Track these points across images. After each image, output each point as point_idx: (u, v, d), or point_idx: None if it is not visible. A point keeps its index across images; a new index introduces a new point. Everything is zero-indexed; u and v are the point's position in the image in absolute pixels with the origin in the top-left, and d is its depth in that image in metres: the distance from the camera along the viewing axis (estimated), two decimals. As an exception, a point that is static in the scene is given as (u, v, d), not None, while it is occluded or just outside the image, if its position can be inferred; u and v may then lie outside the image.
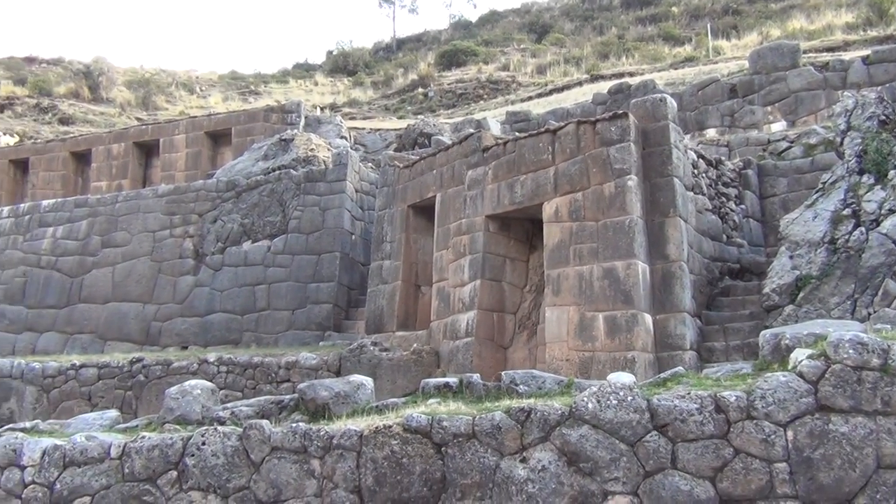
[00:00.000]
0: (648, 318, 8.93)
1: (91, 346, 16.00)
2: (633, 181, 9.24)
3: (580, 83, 29.53)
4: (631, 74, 28.02)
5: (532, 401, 5.81)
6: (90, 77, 35.90)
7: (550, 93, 29.47)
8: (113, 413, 7.73)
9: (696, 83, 19.20)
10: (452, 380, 6.78)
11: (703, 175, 10.90)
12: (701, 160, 11.01)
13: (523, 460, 5.47)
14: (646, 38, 37.99)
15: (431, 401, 6.44)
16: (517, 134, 11.85)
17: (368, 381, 6.85)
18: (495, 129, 19.31)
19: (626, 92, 20.16)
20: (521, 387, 6.32)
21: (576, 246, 9.50)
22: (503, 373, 6.61)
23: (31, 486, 6.66)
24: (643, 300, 8.90)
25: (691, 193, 10.09)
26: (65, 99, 34.03)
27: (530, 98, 29.48)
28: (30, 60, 41.88)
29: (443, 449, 5.67)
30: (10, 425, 7.85)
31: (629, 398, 5.39)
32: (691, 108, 18.40)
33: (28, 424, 7.67)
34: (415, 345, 11.32)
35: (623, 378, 5.76)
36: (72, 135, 27.05)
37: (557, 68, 34.56)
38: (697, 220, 10.19)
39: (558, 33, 42.85)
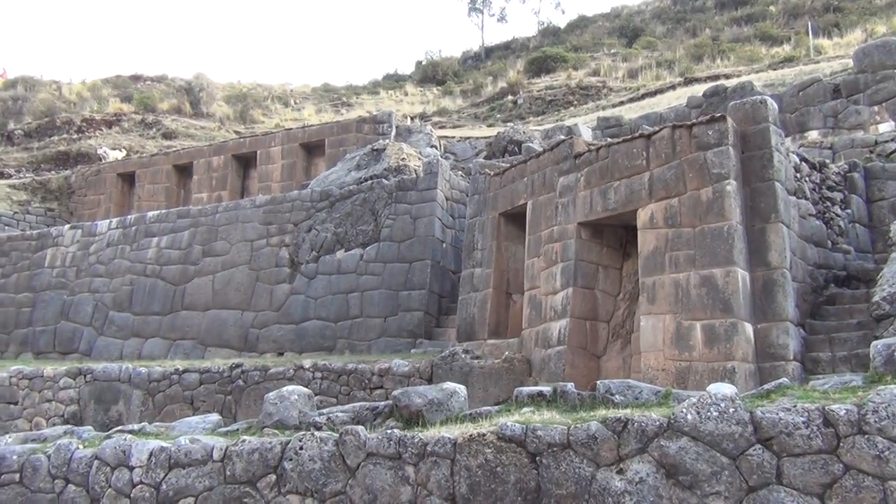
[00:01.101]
0: (749, 328, 8.64)
1: (193, 352, 16.59)
2: (731, 186, 8.97)
3: (673, 87, 28.93)
4: (727, 76, 27.27)
5: (628, 411, 5.69)
6: (191, 93, 37.32)
7: (642, 97, 28.97)
8: (215, 417, 7.97)
9: (797, 84, 18.51)
10: (546, 388, 6.72)
11: (806, 179, 10.49)
12: (804, 163, 10.60)
13: (620, 472, 5.36)
14: (741, 38, 36.91)
15: (525, 409, 6.39)
16: (609, 140, 11.68)
17: (462, 389, 6.85)
18: (586, 135, 19.10)
19: (722, 94, 19.62)
20: (616, 397, 6.20)
21: (672, 253, 9.28)
22: (598, 382, 6.49)
23: (139, 486, 6.94)
24: (743, 308, 8.62)
25: (794, 198, 9.72)
26: (168, 114, 35.48)
27: (622, 103, 29.05)
28: (135, 78, 43.89)
29: (537, 458, 5.62)
30: (120, 427, 8.20)
31: (731, 410, 5.21)
32: (792, 109, 17.76)
33: (136, 427, 8.00)
34: (506, 353, 11.27)
35: (724, 389, 5.58)
36: (174, 149, 28.19)
37: (649, 72, 33.96)
38: (800, 225, 9.81)
39: (650, 36, 42.11)
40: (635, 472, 5.30)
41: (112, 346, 17.77)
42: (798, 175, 10.20)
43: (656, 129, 10.03)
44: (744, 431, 5.12)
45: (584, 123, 22.38)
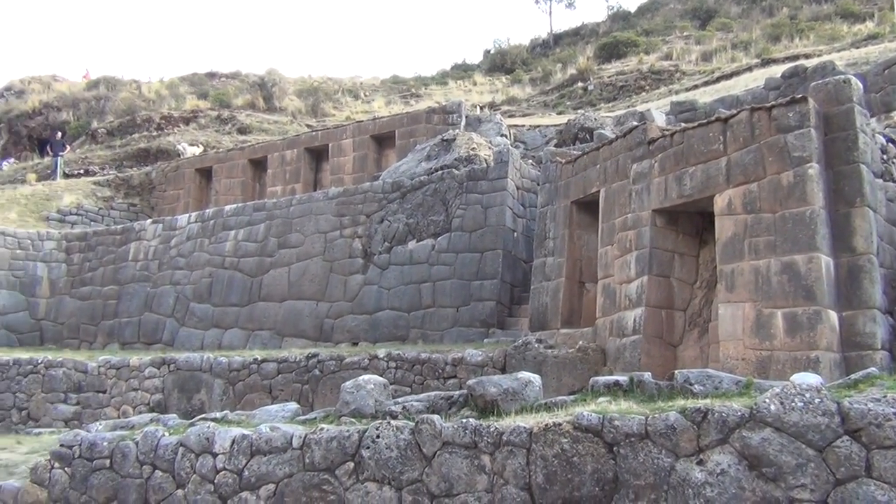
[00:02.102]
0: (833, 315, 8.36)
1: (270, 342, 16.96)
2: (813, 169, 8.67)
3: (749, 68, 28.10)
4: (806, 56, 26.36)
5: (708, 401, 5.58)
6: (264, 88, 38.03)
7: (717, 80, 28.24)
8: (293, 405, 8.14)
9: (882, 62, 17.76)
10: (623, 378, 6.64)
11: (893, 161, 10.07)
12: (891, 145, 10.17)
13: (700, 462, 5.26)
14: (821, 16, 35.61)
15: (601, 399, 6.33)
16: (683, 124, 11.43)
17: (536, 379, 6.83)
18: (660, 120, 18.73)
19: (801, 75, 18.97)
20: (695, 386, 6.08)
21: (751, 239, 9.04)
22: (677, 371, 6.38)
23: (223, 472, 7.14)
24: (827, 296, 8.34)
25: (880, 181, 9.34)
26: (242, 110, 36.25)
27: (695, 87, 28.37)
28: (211, 76, 44.99)
29: (614, 449, 5.56)
30: (203, 415, 8.46)
31: (816, 400, 5.05)
32: (877, 88, 17.05)
33: (218, 415, 8.23)
34: (580, 342, 11.17)
35: (808, 379, 5.41)
36: (249, 143, 28.80)
37: (724, 54, 33.06)
38: (888, 209, 9.43)
39: (724, 18, 40.99)
40: (716, 463, 5.20)
41: (193, 336, 18.31)
42: (885, 157, 9.80)
43: (733, 112, 9.76)
44: (830, 422, 4.96)
45: (657, 109, 21.95)
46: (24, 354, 16.04)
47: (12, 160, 36.51)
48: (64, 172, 30.42)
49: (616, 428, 5.58)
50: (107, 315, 20.11)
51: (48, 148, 32.71)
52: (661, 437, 5.41)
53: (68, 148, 33.30)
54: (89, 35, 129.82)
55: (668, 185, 10.30)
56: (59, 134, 33.94)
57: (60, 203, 26.30)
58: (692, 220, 10.53)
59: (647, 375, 6.56)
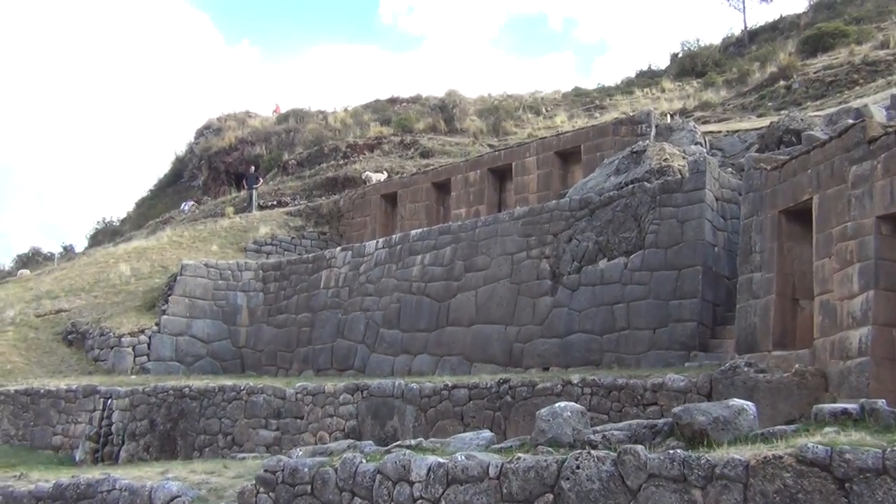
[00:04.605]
0: None
1: (459, 368, 17.25)
2: None
3: None
4: None
5: (960, 433, 5.05)
6: (445, 111, 39.14)
7: (945, 67, 25.82)
8: (488, 433, 8.20)
9: None
10: (852, 406, 6.15)
11: None
12: None
13: (953, 504, 4.76)
14: None
15: (827, 429, 5.90)
16: (910, 119, 10.52)
17: (750, 406, 6.48)
18: (879, 116, 17.35)
19: None
20: (941, 416, 5.53)
21: None
22: (917, 399, 5.83)
23: (420, 500, 7.31)
24: None
25: None
26: (424, 133, 37.47)
27: (919, 76, 26.10)
28: (392, 101, 46.95)
29: (846, 485, 5.17)
30: (398, 442, 8.72)
31: None
32: None
33: (413, 442, 8.45)
34: (796, 365, 10.49)
35: None
36: (432, 167, 29.69)
37: (953, 37, 30.21)
38: None
39: (950, -4, 37.53)
40: (974, 504, 4.69)
41: (384, 362, 18.99)
42: None
43: (972, 101, 8.87)
44: None
45: (874, 103, 20.36)
46: (228, 381, 17.28)
47: (192, 203, 39.76)
48: (259, 204, 32.79)
49: (848, 462, 5.18)
50: (301, 342, 21.32)
51: (244, 182, 35.39)
52: (902, 474, 4.96)
53: (261, 181, 35.90)
54: (279, 70, 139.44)
55: (893, 188, 9.51)
56: (253, 168, 36.69)
57: (256, 234, 28.36)
58: (925, 227, 9.64)
59: (882, 403, 6.04)
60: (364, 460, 8.11)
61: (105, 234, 49.40)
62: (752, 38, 47.26)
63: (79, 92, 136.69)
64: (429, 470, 7.34)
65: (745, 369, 10.58)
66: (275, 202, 33.52)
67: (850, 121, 12.92)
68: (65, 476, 11.79)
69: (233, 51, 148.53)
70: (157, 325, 22.03)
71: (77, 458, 17.05)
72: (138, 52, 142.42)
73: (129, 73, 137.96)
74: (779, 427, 6.38)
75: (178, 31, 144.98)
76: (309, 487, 8.36)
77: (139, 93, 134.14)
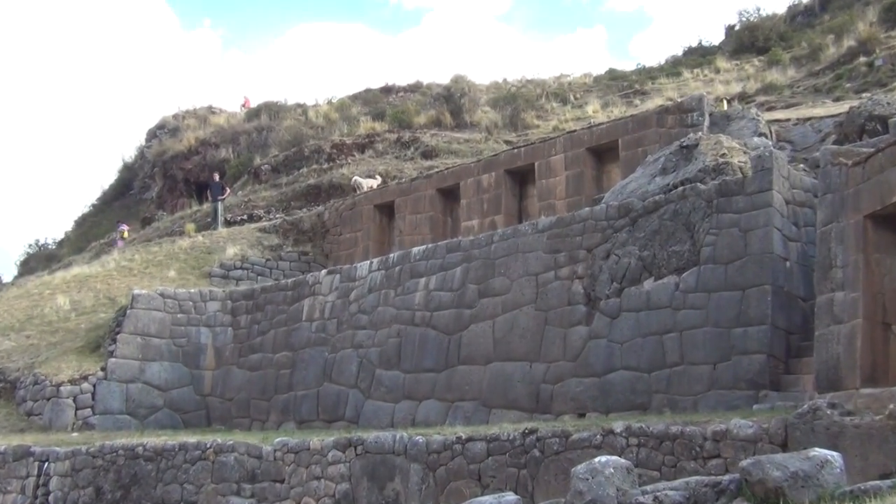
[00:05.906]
0: None
1: (474, 415, 17.22)
2: None
3: None
4: None
5: None
6: (451, 101, 39.25)
7: None
8: (512, 497, 8.13)
9: None
10: (962, 455, 6.13)
11: None
12: None
13: None
14: None
15: (933, 485, 5.89)
16: None
17: (836, 457, 6.46)
18: (984, 96, 17.42)
19: None
20: None
21: None
22: None
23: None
24: None
25: None
26: (426, 129, 37.61)
27: None
28: (386, 91, 47.19)
29: (960, 555, 5.13)
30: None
31: None
32: None
33: (420, 508, 8.40)
34: (890, 406, 10.47)
35: None
36: (436, 169, 29.77)
37: None
38: None
39: None
40: None
41: (381, 410, 18.97)
42: None
43: None
44: None
45: (977, 81, 20.43)
46: (191, 438, 17.32)
47: (124, 226, 39.83)
48: (225, 219, 32.91)
49: (960, 526, 5.15)
50: (280, 388, 21.33)
51: (207, 192, 35.59)
52: None
53: (228, 191, 36.07)
54: (248, 57, 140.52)
55: None
56: (218, 175, 36.87)
57: (223, 256, 28.42)
58: None
59: None
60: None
61: (38, 260, 49.70)
62: (825, 5, 47.40)
63: (3, 88, 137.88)
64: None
65: (829, 411, 10.57)
66: (245, 216, 33.66)
67: (950, 103, 12.95)
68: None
69: (191, 35, 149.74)
70: (102, 370, 22.04)
71: (7, 536, 17.10)
72: (75, 40, 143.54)
73: (66, 65, 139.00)
74: (871, 483, 6.37)
75: (125, 14, 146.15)
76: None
77: (78, 88, 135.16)
